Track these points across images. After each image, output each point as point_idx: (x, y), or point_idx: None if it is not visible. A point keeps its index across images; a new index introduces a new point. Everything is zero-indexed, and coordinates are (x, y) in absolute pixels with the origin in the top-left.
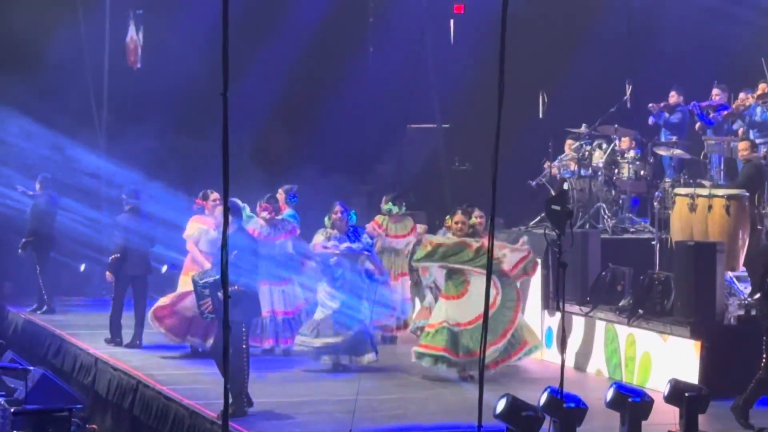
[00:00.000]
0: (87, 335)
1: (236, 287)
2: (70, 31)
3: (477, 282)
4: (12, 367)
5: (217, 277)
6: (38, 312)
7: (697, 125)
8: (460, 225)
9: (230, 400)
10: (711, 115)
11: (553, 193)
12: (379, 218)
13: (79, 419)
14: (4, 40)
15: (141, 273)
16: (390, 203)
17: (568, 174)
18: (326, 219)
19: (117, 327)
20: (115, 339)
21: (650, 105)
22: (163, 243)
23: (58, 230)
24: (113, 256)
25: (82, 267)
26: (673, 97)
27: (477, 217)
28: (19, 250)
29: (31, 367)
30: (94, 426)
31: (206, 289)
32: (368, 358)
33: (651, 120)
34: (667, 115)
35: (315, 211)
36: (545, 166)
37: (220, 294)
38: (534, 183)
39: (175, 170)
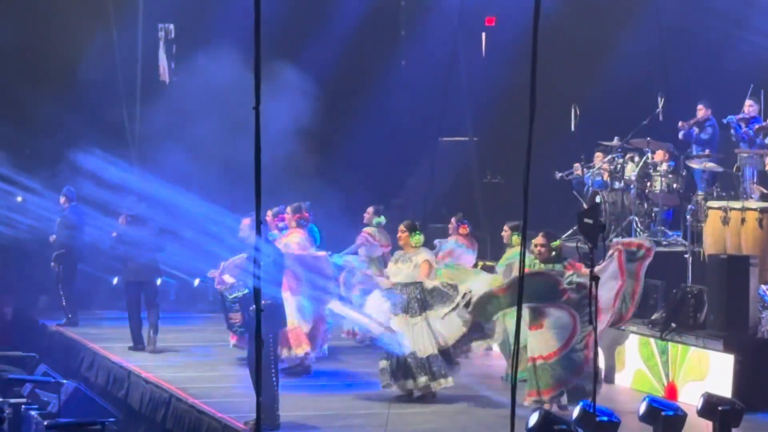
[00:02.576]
0: (120, 349)
1: (264, 301)
2: (102, 46)
3: (555, 313)
4: (45, 381)
5: (247, 291)
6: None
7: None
8: (539, 248)
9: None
10: (744, 128)
11: (584, 203)
12: (369, 230)
13: None
14: (37, 56)
15: (148, 278)
16: (382, 216)
17: (601, 186)
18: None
19: (138, 334)
20: (137, 345)
21: (680, 123)
22: (200, 256)
23: (91, 244)
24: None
25: (115, 280)
26: (701, 111)
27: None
28: (52, 264)
29: (65, 381)
30: None
31: (236, 304)
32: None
33: (681, 135)
34: (696, 131)
35: (345, 225)
36: (575, 165)
37: (252, 308)
38: (559, 175)
39: (208, 184)
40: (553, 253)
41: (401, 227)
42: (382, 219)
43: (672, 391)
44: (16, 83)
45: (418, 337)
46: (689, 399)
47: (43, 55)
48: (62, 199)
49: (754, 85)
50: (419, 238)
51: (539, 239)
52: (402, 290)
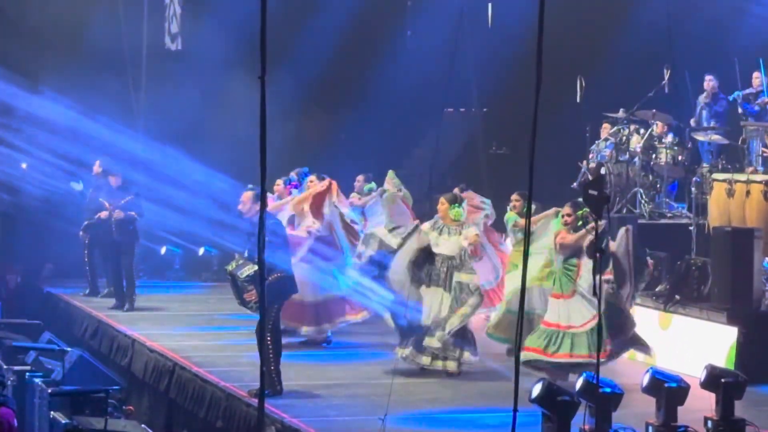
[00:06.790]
0: (124, 317)
1: (277, 274)
2: (108, 12)
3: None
4: (50, 348)
5: (256, 267)
6: (97, 297)
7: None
8: (565, 218)
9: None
10: (753, 102)
11: (588, 175)
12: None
13: (115, 400)
14: (42, 22)
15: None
16: (373, 183)
17: (605, 158)
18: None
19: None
20: (117, 303)
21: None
22: (204, 226)
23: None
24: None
25: None
26: (710, 82)
27: (514, 200)
28: (81, 233)
29: (69, 349)
30: (131, 407)
31: (248, 283)
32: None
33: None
34: (712, 103)
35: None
36: (581, 164)
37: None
38: (575, 185)
39: (213, 152)
40: (580, 222)
41: (442, 199)
42: (373, 185)
43: None
44: (21, 51)
45: (445, 305)
46: None
47: (48, 22)
48: (96, 168)
49: (760, 56)
50: (458, 211)
51: (566, 209)
52: (443, 263)
